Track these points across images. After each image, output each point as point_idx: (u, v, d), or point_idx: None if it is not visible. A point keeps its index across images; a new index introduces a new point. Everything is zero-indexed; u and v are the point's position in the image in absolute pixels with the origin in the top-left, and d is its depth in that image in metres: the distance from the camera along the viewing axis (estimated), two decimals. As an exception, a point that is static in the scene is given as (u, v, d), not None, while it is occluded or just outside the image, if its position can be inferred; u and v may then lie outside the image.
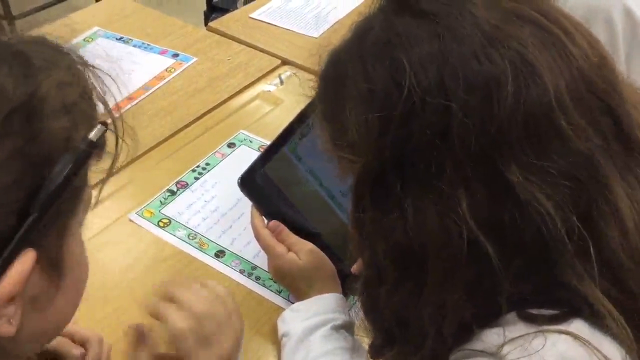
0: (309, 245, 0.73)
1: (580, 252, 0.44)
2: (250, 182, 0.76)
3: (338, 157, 0.52)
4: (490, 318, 0.46)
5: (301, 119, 0.83)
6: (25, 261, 0.36)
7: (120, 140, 0.46)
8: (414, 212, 0.46)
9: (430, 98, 0.43)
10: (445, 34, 0.44)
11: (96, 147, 0.40)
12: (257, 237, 0.75)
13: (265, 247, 0.75)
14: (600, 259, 0.44)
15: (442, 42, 0.44)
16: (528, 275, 0.45)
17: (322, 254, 0.75)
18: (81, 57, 0.44)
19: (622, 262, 0.45)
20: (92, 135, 0.39)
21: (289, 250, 0.73)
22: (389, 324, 0.52)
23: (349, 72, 0.49)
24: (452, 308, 0.46)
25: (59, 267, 0.41)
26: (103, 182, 0.46)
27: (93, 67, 0.44)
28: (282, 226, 0.75)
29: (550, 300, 0.45)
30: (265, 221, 0.77)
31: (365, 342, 0.73)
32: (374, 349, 0.57)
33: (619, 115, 0.46)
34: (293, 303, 0.75)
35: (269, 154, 0.79)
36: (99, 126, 0.40)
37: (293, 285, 0.74)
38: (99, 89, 0.44)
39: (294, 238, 0.74)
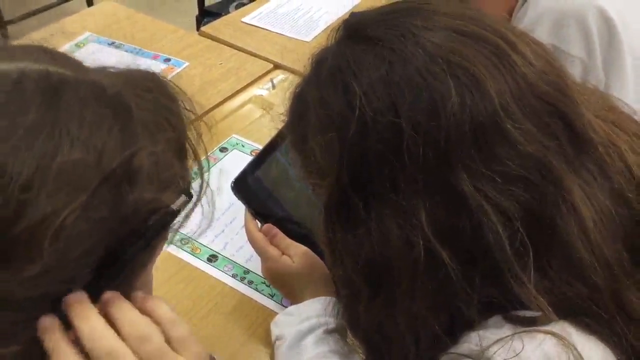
0: (302, 249, 0.73)
1: (520, 256, 0.45)
2: (243, 186, 0.76)
3: (310, 184, 0.55)
4: (470, 323, 0.47)
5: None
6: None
7: (203, 189, 0.46)
8: (377, 228, 0.48)
9: (380, 117, 0.46)
10: (390, 56, 0.47)
11: (178, 215, 0.39)
12: (251, 240, 0.75)
13: (258, 251, 0.75)
14: (562, 255, 0.46)
15: (388, 64, 0.47)
16: (489, 280, 0.46)
17: (315, 257, 0.75)
18: (187, 103, 0.44)
19: (582, 258, 0.46)
20: (176, 205, 0.39)
21: (283, 253, 0.74)
22: (371, 338, 0.53)
23: (309, 102, 0.52)
24: (423, 317, 0.48)
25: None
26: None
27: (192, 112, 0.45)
28: (275, 229, 0.75)
29: (518, 302, 0.47)
30: (259, 224, 0.77)
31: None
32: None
33: (569, 117, 0.48)
34: (286, 307, 0.75)
35: (261, 158, 0.79)
36: (183, 197, 0.39)
37: (286, 288, 0.74)
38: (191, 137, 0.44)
39: (287, 241, 0.74)
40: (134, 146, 0.36)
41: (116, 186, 0.35)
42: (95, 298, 0.37)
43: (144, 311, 0.39)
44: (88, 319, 0.36)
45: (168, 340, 0.38)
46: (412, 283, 0.47)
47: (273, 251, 0.73)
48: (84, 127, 0.34)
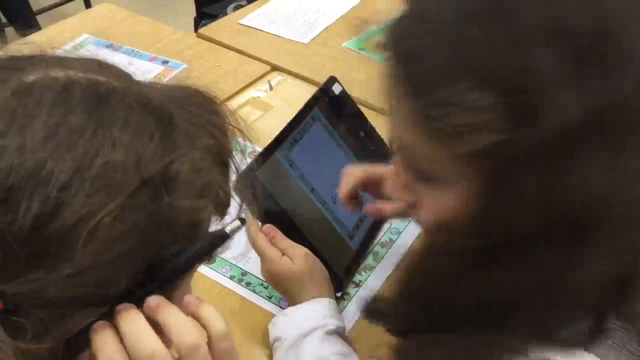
0: (302, 250, 0.74)
1: None
2: (244, 186, 0.76)
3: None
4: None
5: (293, 125, 0.84)
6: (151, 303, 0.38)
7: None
8: (582, 171, 0.40)
9: None
10: None
11: (227, 240, 0.40)
12: (251, 240, 0.75)
13: (259, 251, 0.75)
14: None
15: None
16: None
17: (315, 258, 0.75)
18: (229, 114, 0.44)
19: None
20: (229, 229, 0.39)
21: (283, 254, 0.74)
22: (454, 305, 0.48)
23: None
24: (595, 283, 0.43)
25: None
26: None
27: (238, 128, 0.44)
28: (275, 230, 0.75)
29: None
30: (259, 225, 0.77)
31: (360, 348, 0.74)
32: (397, 332, 0.55)
33: None
34: (284, 308, 0.76)
35: (262, 159, 0.79)
36: (237, 222, 0.40)
37: (286, 289, 0.74)
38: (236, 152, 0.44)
39: (288, 242, 0.74)
40: (173, 153, 0.36)
41: (154, 191, 0.35)
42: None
43: (196, 317, 0.40)
44: (132, 321, 0.37)
45: (212, 351, 0.39)
46: (608, 240, 0.42)
47: (273, 252, 0.73)
48: (126, 131, 0.35)
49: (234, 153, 0.43)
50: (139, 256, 0.36)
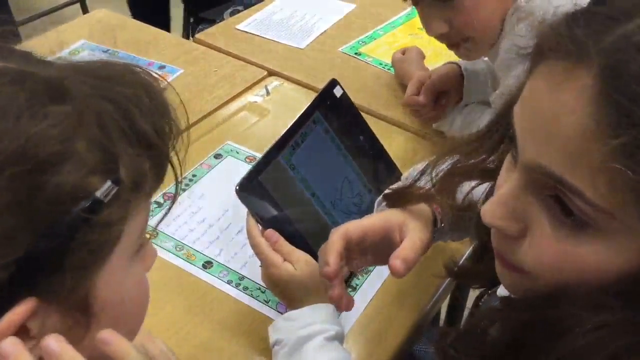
0: (304, 256, 0.74)
1: None
2: (246, 190, 0.76)
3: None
4: None
5: (295, 128, 0.84)
6: (18, 310, 0.36)
7: (179, 174, 0.44)
8: None
9: None
10: None
11: (102, 205, 0.37)
12: (253, 245, 0.75)
13: (260, 256, 0.75)
14: None
15: None
16: None
17: (316, 264, 0.75)
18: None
19: None
20: (99, 193, 0.36)
21: (284, 259, 0.74)
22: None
23: None
24: None
25: (86, 309, 0.40)
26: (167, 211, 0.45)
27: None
28: (277, 235, 0.75)
29: None
30: (261, 229, 0.77)
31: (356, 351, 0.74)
32: None
33: None
34: (281, 313, 0.76)
35: (264, 163, 0.79)
36: (108, 183, 0.37)
37: (287, 294, 0.74)
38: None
39: (289, 247, 0.74)
40: (52, 128, 0.35)
41: (28, 172, 0.34)
42: (22, 293, 0.36)
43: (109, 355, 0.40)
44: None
45: None
46: None
47: (275, 257, 0.73)
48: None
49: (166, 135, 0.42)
50: (20, 238, 0.35)
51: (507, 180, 0.45)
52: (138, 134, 0.39)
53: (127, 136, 0.39)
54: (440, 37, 0.90)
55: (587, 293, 0.41)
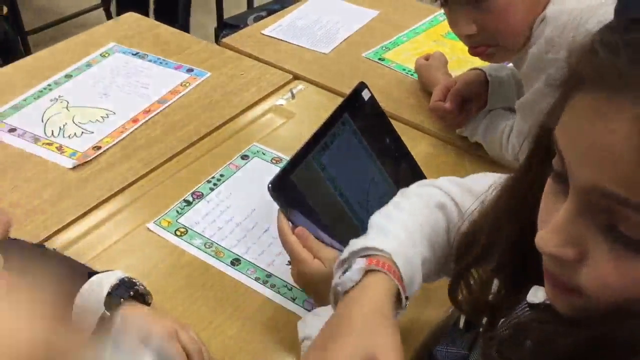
0: (334, 253, 0.75)
1: None
2: (279, 188, 0.78)
3: None
4: None
5: (325, 129, 0.86)
6: None
7: None
8: None
9: None
10: None
11: None
12: (284, 242, 0.77)
13: (291, 253, 0.76)
14: None
15: None
16: None
17: None
18: None
19: None
20: None
21: (314, 257, 0.75)
22: None
23: None
24: None
25: None
26: None
27: None
28: (307, 233, 0.77)
29: None
30: (291, 226, 0.78)
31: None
32: None
33: None
34: (308, 310, 0.77)
35: (296, 162, 0.81)
36: None
37: (316, 290, 0.76)
38: None
39: (319, 245, 0.76)
40: None
41: None
42: None
43: None
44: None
45: None
46: None
47: (305, 254, 0.75)
48: None
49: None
50: None
51: (558, 208, 0.44)
52: None
53: None
54: (467, 39, 0.91)
55: None
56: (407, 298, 0.62)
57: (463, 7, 0.86)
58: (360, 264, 0.61)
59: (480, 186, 0.66)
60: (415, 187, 0.74)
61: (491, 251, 0.59)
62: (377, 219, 0.68)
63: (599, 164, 0.40)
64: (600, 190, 0.40)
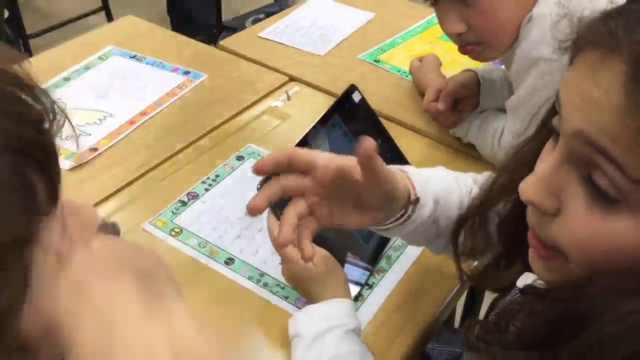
0: (322, 252, 0.77)
1: None
2: None
3: None
4: None
5: (315, 130, 0.87)
6: None
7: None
8: None
9: None
10: None
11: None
12: (273, 241, 0.78)
13: (282, 253, 0.78)
14: None
15: None
16: None
17: (334, 260, 0.78)
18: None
19: None
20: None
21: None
22: None
23: None
24: None
25: (23, 348, 0.35)
26: None
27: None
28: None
29: None
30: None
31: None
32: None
33: None
34: (300, 308, 0.79)
35: None
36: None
37: (306, 289, 0.77)
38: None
39: None
40: None
41: None
42: None
43: None
44: None
45: None
46: None
47: (294, 253, 0.76)
48: None
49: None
50: None
51: (548, 158, 0.48)
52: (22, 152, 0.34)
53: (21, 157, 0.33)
54: (456, 37, 0.93)
55: (617, 278, 0.44)
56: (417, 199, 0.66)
57: (452, 5, 0.88)
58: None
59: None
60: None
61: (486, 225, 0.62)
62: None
63: (587, 112, 0.43)
64: (584, 137, 0.43)
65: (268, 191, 0.60)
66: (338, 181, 0.60)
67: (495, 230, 0.64)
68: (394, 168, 0.66)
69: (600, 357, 0.42)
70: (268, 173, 0.60)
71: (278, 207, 0.79)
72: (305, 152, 0.61)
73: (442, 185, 0.70)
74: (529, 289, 0.53)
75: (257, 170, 0.59)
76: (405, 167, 0.70)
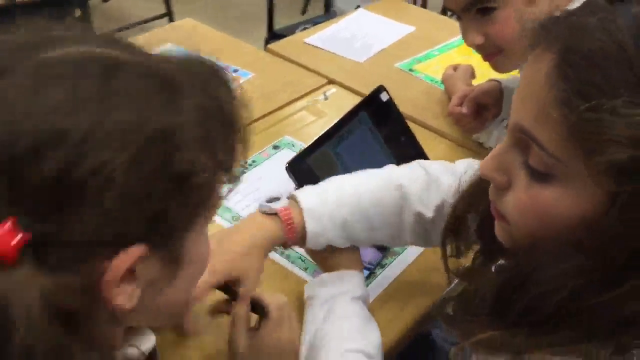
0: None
1: None
2: (296, 168, 0.89)
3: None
4: None
5: (342, 123, 0.97)
6: (132, 252, 0.41)
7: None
8: None
9: None
10: None
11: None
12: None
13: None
14: None
15: None
16: None
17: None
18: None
19: None
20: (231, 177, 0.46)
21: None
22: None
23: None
24: None
25: (178, 261, 0.45)
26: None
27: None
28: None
29: None
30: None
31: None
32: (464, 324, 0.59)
33: None
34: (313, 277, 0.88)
35: (313, 148, 0.92)
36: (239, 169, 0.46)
37: (322, 260, 0.84)
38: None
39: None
40: (177, 115, 0.41)
41: (159, 146, 0.40)
42: (155, 241, 0.42)
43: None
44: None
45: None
46: None
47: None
48: (133, 96, 0.40)
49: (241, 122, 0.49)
50: (148, 204, 0.40)
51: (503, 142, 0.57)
52: (228, 121, 0.47)
53: (222, 123, 0.46)
54: (477, 48, 1.01)
55: (553, 246, 0.52)
56: (295, 243, 0.79)
57: (473, 19, 0.96)
58: (278, 204, 0.78)
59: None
60: (394, 166, 0.84)
61: (466, 224, 0.69)
62: (330, 179, 0.81)
63: (523, 103, 0.51)
64: (520, 127, 0.51)
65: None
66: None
67: (476, 229, 0.70)
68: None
69: (539, 315, 0.50)
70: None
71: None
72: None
73: (360, 207, 0.79)
74: (497, 267, 0.62)
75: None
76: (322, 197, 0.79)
